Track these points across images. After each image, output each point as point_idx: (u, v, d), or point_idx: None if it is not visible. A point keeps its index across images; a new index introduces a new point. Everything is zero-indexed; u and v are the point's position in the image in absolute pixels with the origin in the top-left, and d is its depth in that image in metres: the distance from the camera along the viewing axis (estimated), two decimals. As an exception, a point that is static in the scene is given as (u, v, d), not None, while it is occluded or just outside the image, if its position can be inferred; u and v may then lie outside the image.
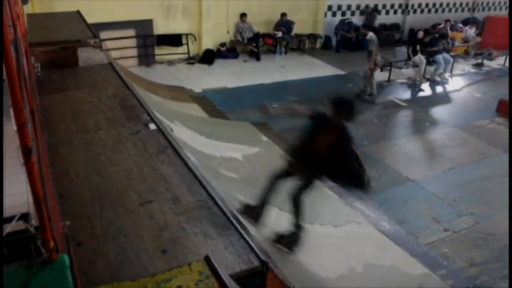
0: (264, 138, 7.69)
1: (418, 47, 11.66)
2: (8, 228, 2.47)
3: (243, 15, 12.91)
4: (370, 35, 10.18)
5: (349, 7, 15.25)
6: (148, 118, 5.10)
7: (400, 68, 12.76)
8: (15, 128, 1.71)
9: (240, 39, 13.25)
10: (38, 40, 6.50)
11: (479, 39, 15.34)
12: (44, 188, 1.98)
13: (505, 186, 6.57)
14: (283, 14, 13.43)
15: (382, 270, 4.74)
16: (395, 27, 16.49)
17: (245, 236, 3.18)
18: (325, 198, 6.07)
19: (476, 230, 5.68)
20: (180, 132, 6.23)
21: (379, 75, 12.18)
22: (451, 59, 12.24)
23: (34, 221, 2.58)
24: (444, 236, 5.53)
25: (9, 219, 2.56)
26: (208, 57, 12.56)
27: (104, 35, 10.12)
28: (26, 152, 1.70)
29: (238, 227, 3.29)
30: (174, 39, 12.29)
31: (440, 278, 4.75)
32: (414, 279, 4.72)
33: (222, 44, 13.09)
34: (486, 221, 5.85)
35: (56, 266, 1.88)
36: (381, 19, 15.89)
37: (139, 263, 2.82)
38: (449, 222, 5.79)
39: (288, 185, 4.29)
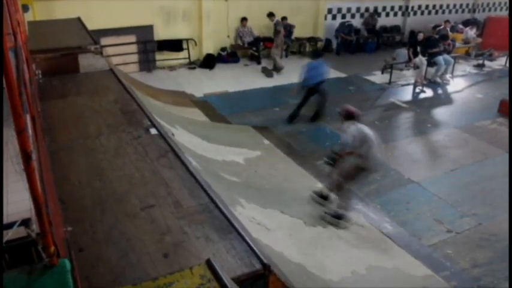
0: (266, 141, 7.70)
1: (418, 49, 11.68)
2: (9, 234, 2.48)
3: (243, 20, 12.95)
4: (277, 19, 12.44)
5: (349, 10, 15.29)
6: (149, 123, 5.11)
7: (401, 69, 12.79)
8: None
9: (241, 44, 13.29)
10: (39, 47, 6.53)
11: (479, 40, 15.34)
12: (44, 193, 1.99)
13: (507, 186, 6.55)
14: (284, 18, 13.45)
15: (385, 272, 4.74)
16: (396, 29, 16.53)
17: (247, 239, 3.18)
18: (327, 201, 6.07)
19: (479, 230, 5.67)
20: (181, 137, 6.24)
21: (380, 78, 12.24)
22: (452, 60, 12.24)
23: (35, 227, 2.59)
24: (447, 237, 5.52)
25: (11, 225, 2.57)
26: (209, 62, 12.59)
27: (104, 41, 10.17)
28: (26, 157, 1.70)
29: (240, 230, 3.28)
30: (175, 45, 12.33)
31: (444, 279, 4.75)
32: (417, 281, 4.71)
33: (223, 49, 13.13)
34: (489, 222, 5.84)
35: (56, 271, 1.88)
36: (382, 21, 15.93)
37: (141, 267, 2.82)
38: (452, 223, 5.77)
39: None
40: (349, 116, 5.36)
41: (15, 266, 2.12)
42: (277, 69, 12.26)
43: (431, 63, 11.84)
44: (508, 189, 6.44)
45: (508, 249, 5.25)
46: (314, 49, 13.81)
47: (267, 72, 12.20)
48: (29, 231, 2.46)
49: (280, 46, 12.65)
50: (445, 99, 11.07)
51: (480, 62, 14.10)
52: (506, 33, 14.44)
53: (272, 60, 12.48)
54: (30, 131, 2.24)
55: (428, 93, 11.31)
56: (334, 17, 15.11)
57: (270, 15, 12.53)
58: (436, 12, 17.43)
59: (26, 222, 2.69)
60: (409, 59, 12.05)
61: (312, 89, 8.79)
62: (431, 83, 11.87)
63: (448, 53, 12.32)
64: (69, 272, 1.88)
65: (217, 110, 9.29)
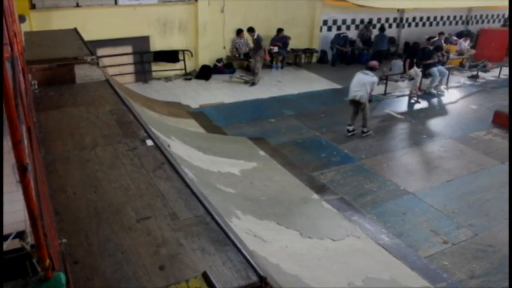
0: (262, 153, 7.70)
1: (414, 60, 11.76)
2: (4, 246, 2.44)
3: (239, 31, 13.01)
4: (257, 34, 12.08)
5: (344, 21, 15.40)
6: (145, 134, 5.09)
7: (396, 81, 12.86)
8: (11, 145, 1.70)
9: (237, 55, 13.34)
10: (35, 58, 6.53)
11: (473, 51, 15.48)
12: (40, 205, 1.97)
13: (503, 196, 6.57)
14: (280, 30, 13.55)
15: (382, 284, 4.71)
16: (391, 40, 16.61)
17: (243, 251, 3.15)
18: (324, 212, 6.06)
19: (476, 241, 5.66)
20: (177, 148, 6.23)
21: (375, 89, 12.28)
22: (446, 72, 12.33)
23: (30, 239, 2.56)
24: (443, 248, 5.51)
25: (5, 238, 2.54)
26: (205, 73, 12.62)
27: (101, 52, 10.17)
28: (22, 169, 1.69)
29: (236, 242, 3.26)
30: (171, 56, 12.36)
31: (441, 291, 4.73)
32: (414, 293, 4.69)
33: (219, 60, 13.18)
34: (485, 232, 5.84)
35: (52, 285, 1.86)
36: (376, 33, 16.02)
37: (136, 279, 2.79)
38: (448, 234, 5.77)
39: None
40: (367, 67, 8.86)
41: (9, 280, 2.09)
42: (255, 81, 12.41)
43: (426, 75, 11.92)
44: (504, 199, 6.46)
45: (504, 259, 5.25)
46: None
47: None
48: (24, 243, 2.42)
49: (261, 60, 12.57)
50: (440, 111, 11.13)
51: (474, 73, 14.19)
52: (500, 45, 14.64)
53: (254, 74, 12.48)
54: (25, 142, 2.22)
55: (424, 104, 11.37)
56: (329, 29, 15.21)
57: (250, 30, 12.21)
58: (430, 24, 17.59)
59: (20, 235, 2.66)
60: (404, 70, 12.11)
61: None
62: (426, 94, 11.95)
63: (443, 64, 12.42)
64: (64, 286, 1.86)
65: (213, 121, 9.30)
